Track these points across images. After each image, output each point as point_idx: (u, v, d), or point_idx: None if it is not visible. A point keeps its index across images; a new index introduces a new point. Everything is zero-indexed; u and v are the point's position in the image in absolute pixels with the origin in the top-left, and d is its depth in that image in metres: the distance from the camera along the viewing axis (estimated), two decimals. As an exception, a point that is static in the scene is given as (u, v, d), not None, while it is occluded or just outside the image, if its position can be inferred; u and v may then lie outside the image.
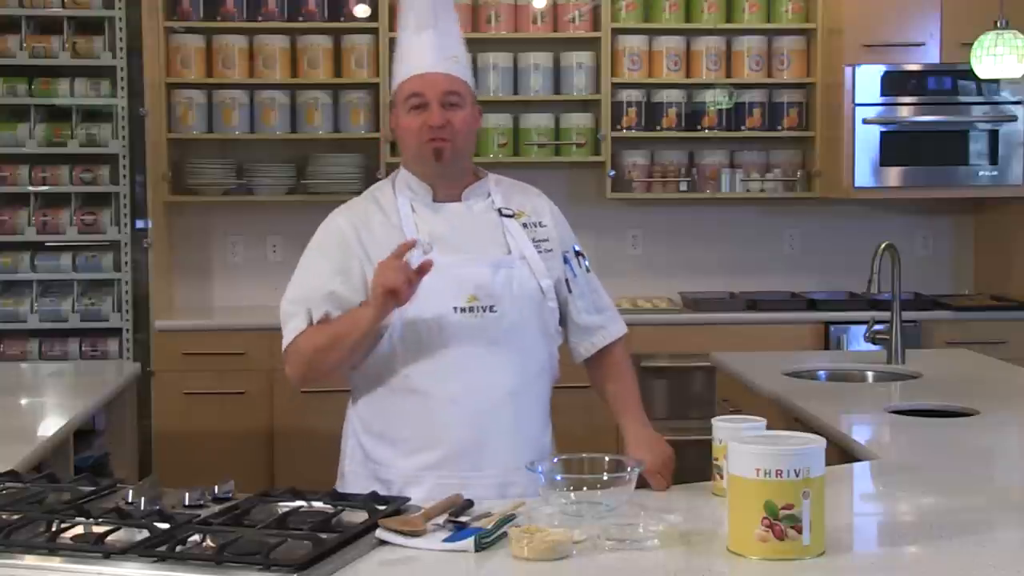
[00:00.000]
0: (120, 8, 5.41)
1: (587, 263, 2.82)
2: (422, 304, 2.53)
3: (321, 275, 2.63)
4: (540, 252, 2.67)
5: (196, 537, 2.02)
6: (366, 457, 2.69)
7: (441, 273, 2.53)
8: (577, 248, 2.80)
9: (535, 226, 2.70)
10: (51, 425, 3.34)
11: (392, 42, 5.67)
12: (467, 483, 2.48)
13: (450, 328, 2.57)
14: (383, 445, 2.66)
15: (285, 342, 2.67)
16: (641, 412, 2.74)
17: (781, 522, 1.94)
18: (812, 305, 5.73)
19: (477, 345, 2.57)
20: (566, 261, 2.74)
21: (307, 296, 2.63)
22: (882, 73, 5.62)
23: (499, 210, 2.69)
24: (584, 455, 2.54)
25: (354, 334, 2.54)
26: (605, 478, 2.29)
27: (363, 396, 2.70)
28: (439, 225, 2.64)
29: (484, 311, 2.58)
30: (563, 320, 2.76)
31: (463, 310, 2.57)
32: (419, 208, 2.66)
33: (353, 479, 2.70)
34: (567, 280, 2.73)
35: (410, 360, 2.59)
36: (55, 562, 1.94)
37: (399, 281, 2.41)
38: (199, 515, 2.16)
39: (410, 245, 2.48)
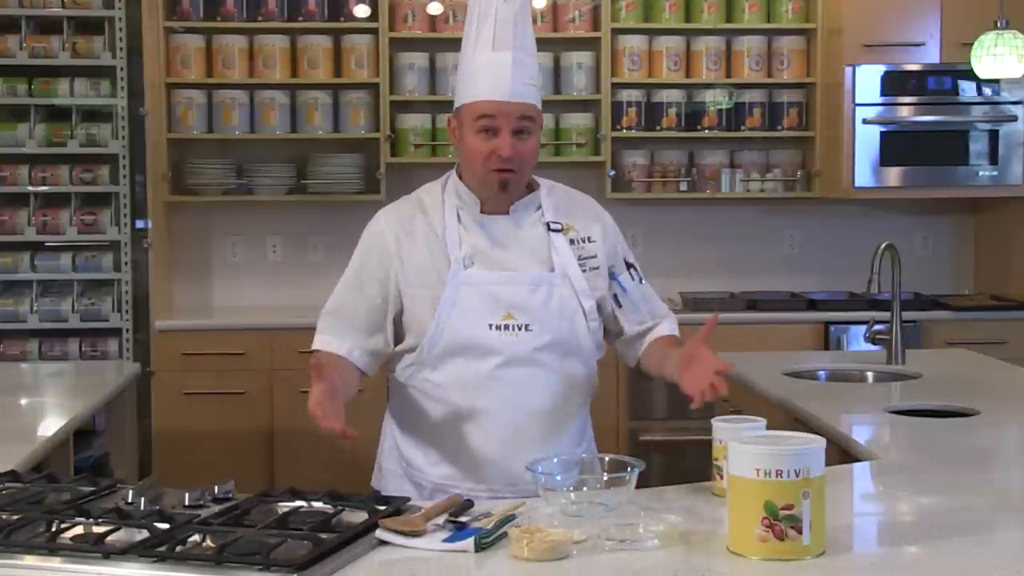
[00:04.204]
0: (120, 8, 5.41)
1: (640, 275, 2.77)
2: (457, 320, 2.57)
3: (360, 290, 2.66)
4: (585, 270, 2.65)
5: (196, 537, 2.02)
6: (401, 456, 2.71)
7: (478, 290, 2.57)
8: (629, 260, 2.76)
9: (582, 242, 2.67)
10: (51, 425, 3.34)
11: (392, 42, 5.76)
12: (492, 498, 2.48)
13: (484, 345, 2.57)
14: (416, 449, 2.69)
15: (314, 346, 2.69)
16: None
17: (781, 522, 1.94)
18: (812, 305, 5.73)
19: (510, 363, 2.57)
20: (613, 276, 2.70)
21: (342, 314, 2.67)
22: (882, 73, 5.63)
23: (547, 224, 2.66)
24: (584, 455, 2.55)
25: None
26: (605, 478, 2.29)
27: (400, 399, 2.71)
28: (482, 239, 2.62)
29: (519, 329, 2.57)
30: (610, 334, 2.75)
31: (498, 327, 2.57)
32: (465, 219, 2.64)
33: (391, 476, 2.74)
34: (615, 295, 2.70)
35: (443, 372, 2.60)
36: (55, 562, 1.94)
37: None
38: (199, 515, 2.16)
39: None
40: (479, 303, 2.57)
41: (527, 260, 2.62)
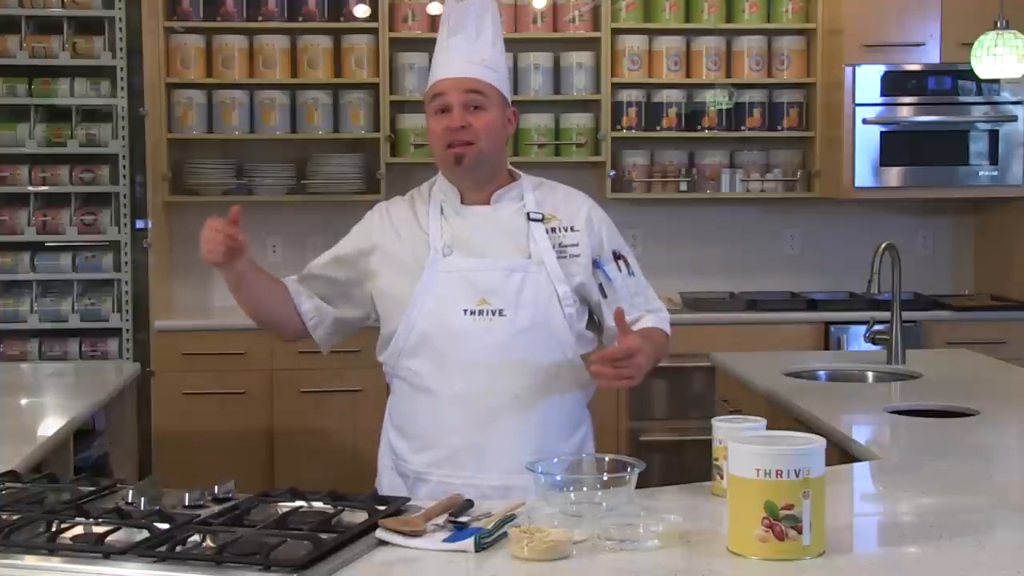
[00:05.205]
0: (120, 8, 5.40)
1: (631, 267, 2.77)
2: (432, 305, 2.62)
3: (334, 250, 2.80)
4: (565, 257, 2.67)
5: (196, 537, 2.02)
6: (392, 449, 2.76)
7: (454, 276, 2.62)
8: (619, 252, 2.77)
9: (564, 231, 2.70)
10: (51, 425, 3.34)
11: (392, 42, 5.76)
12: (469, 484, 2.52)
13: (458, 330, 2.61)
14: (401, 439, 2.73)
15: None
16: (643, 335, 2.60)
17: (781, 522, 1.94)
18: (812, 305, 5.73)
19: (485, 348, 2.60)
20: (598, 265, 2.71)
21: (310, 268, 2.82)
22: (882, 73, 5.63)
23: (527, 214, 2.69)
24: (584, 455, 2.55)
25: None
26: (605, 478, 2.29)
27: (392, 390, 2.78)
28: (462, 229, 2.68)
29: (493, 315, 2.61)
30: (602, 328, 2.74)
31: (472, 313, 2.61)
32: (447, 211, 2.71)
33: (384, 471, 2.78)
34: (600, 285, 2.71)
35: (420, 358, 2.65)
36: (55, 562, 1.94)
37: (208, 244, 2.50)
38: (199, 515, 2.16)
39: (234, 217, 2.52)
40: (455, 289, 2.62)
41: (504, 248, 2.66)
